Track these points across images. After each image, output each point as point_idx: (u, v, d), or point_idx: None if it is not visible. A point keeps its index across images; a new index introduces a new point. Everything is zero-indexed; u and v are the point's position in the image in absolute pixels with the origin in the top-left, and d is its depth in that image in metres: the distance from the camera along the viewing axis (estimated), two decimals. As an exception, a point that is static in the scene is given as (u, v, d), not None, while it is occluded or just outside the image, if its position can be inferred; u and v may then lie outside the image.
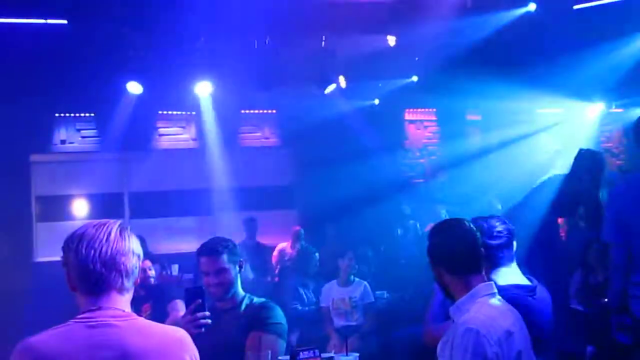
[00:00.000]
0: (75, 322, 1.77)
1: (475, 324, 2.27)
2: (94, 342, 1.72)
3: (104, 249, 1.80)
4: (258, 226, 8.76)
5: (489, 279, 2.59)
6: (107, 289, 1.81)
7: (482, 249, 2.50)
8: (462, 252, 2.46)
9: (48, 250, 8.52)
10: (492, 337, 2.23)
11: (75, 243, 1.82)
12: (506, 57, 7.77)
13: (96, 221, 1.90)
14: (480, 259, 2.47)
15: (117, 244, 1.83)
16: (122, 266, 1.83)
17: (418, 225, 8.85)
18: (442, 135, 10.62)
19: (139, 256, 1.90)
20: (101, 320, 1.76)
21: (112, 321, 1.77)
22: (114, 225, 1.88)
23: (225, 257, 3.12)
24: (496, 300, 2.42)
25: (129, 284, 1.85)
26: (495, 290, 2.45)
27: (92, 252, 1.80)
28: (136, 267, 1.88)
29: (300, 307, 6.62)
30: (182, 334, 1.88)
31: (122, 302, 1.84)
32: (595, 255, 6.14)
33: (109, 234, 1.84)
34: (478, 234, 2.51)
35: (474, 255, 2.46)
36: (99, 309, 1.79)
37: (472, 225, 2.53)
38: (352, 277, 6.46)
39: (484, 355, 2.20)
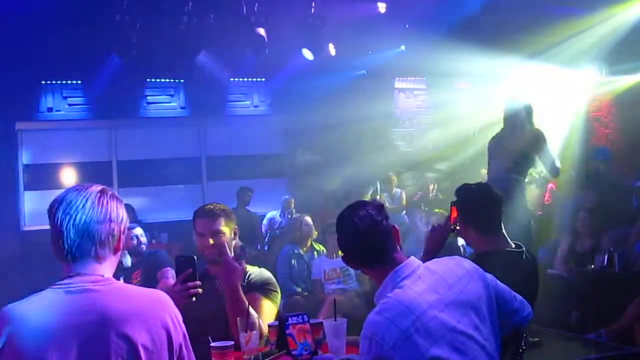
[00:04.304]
0: (54, 288, 1.77)
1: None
2: (73, 308, 1.71)
3: (78, 216, 1.78)
4: (252, 197, 8.73)
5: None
6: (82, 257, 1.80)
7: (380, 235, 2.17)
8: (356, 247, 2.20)
9: (36, 219, 8.49)
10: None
11: (54, 208, 1.81)
12: (497, 25, 7.71)
13: (80, 185, 1.89)
14: (374, 248, 2.16)
15: (92, 212, 1.80)
16: (95, 234, 1.80)
17: (404, 194, 8.85)
18: (432, 104, 10.57)
19: (120, 222, 1.87)
20: (80, 286, 1.76)
21: (91, 286, 1.76)
22: (95, 190, 1.85)
23: (222, 220, 3.11)
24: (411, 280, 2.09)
25: (104, 252, 1.83)
26: (410, 271, 2.10)
27: (67, 218, 1.78)
28: (114, 235, 1.85)
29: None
30: (161, 295, 1.87)
31: (101, 268, 1.83)
32: (582, 222, 6.15)
33: (87, 200, 1.81)
34: (374, 220, 2.17)
35: (370, 247, 2.17)
36: (78, 274, 1.78)
37: (366, 212, 2.18)
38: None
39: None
